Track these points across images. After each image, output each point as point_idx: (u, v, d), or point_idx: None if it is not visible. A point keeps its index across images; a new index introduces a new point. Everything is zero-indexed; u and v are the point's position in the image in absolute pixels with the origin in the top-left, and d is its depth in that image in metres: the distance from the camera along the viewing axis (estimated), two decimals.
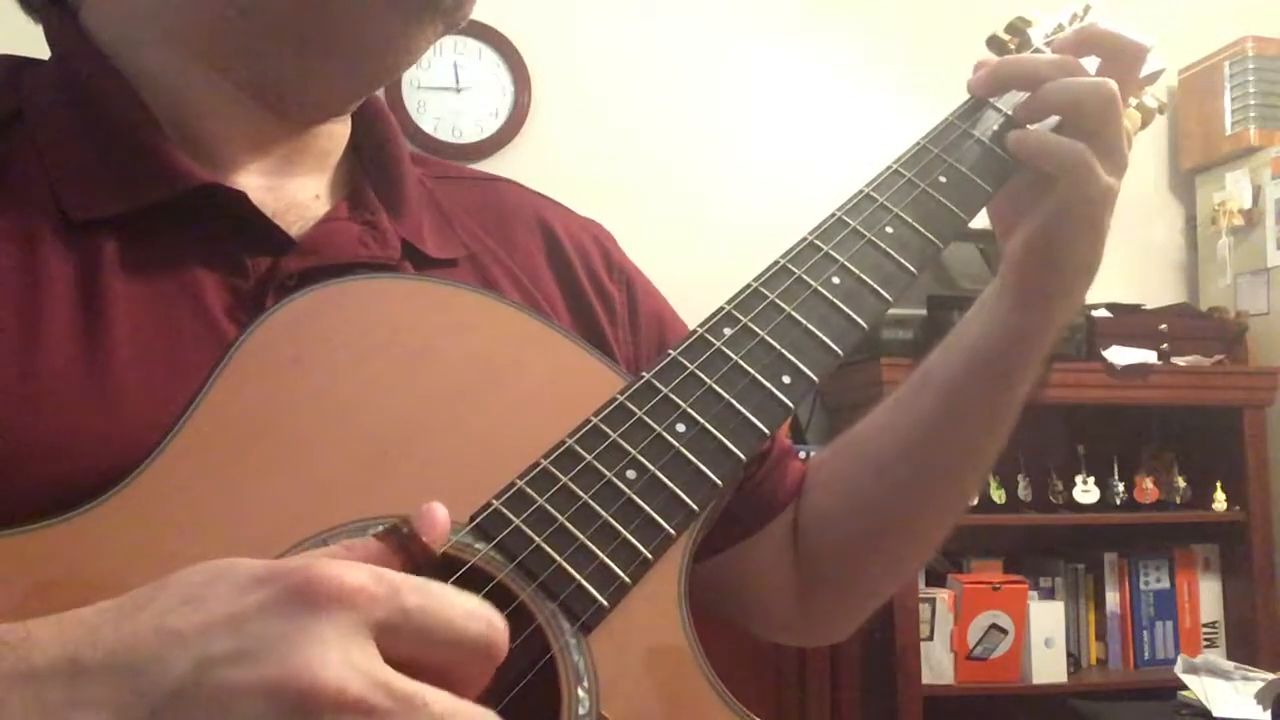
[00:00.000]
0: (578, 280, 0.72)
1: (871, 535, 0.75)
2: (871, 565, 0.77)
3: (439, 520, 0.44)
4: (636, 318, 0.74)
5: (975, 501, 2.39)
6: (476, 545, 0.50)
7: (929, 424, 0.72)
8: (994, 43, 0.76)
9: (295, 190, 0.64)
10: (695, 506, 0.54)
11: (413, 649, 0.39)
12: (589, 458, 0.53)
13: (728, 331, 0.59)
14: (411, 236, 0.65)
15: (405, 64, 0.67)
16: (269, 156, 0.63)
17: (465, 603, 0.41)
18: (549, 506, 0.51)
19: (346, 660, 0.37)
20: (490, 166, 2.52)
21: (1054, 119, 0.68)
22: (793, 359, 0.59)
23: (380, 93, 0.72)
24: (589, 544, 0.51)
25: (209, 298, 0.57)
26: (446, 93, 2.57)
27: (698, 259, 2.38)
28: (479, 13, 0.65)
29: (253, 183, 0.62)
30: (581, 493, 0.52)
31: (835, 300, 0.61)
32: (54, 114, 0.60)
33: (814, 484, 0.78)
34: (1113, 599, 2.51)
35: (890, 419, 0.75)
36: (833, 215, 0.65)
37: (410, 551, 0.43)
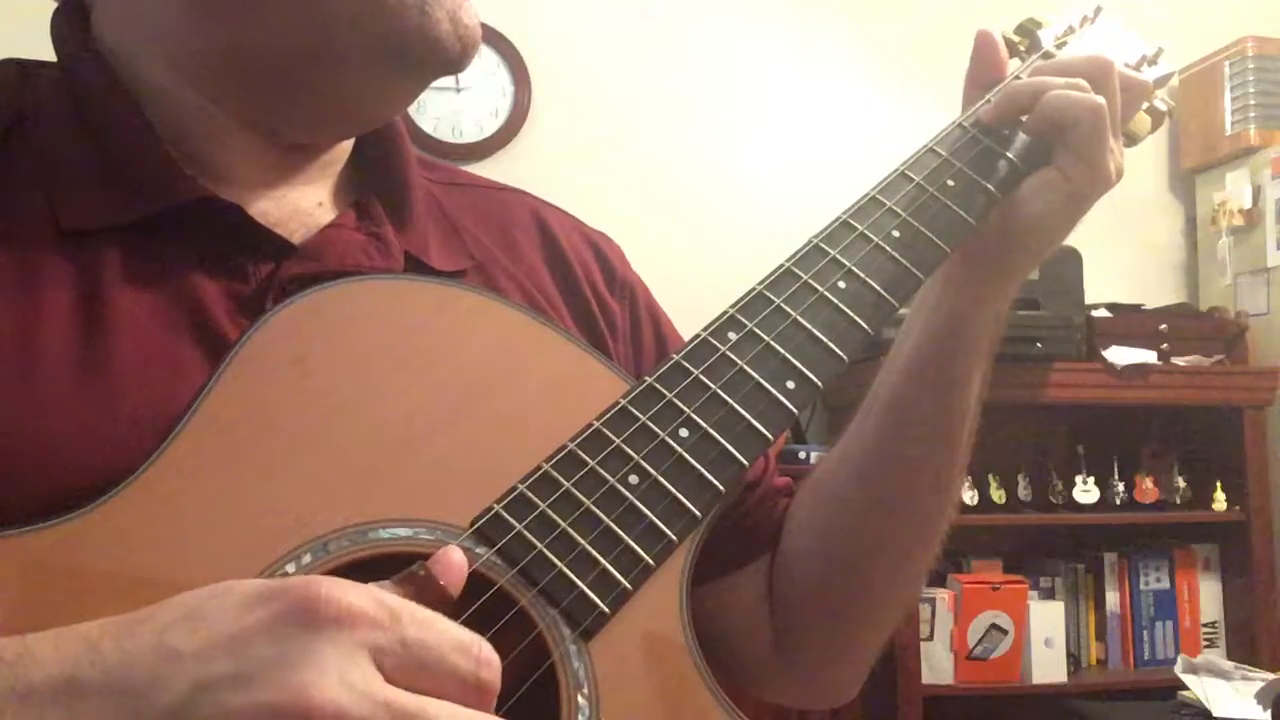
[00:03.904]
0: (581, 293, 0.71)
1: (842, 578, 0.71)
2: (847, 612, 0.73)
3: (455, 563, 0.45)
4: (639, 332, 0.74)
5: (974, 503, 2.39)
6: (477, 550, 0.49)
7: (877, 444, 0.70)
8: (1004, 44, 0.76)
9: (297, 198, 0.63)
10: (698, 513, 0.53)
11: (406, 677, 0.39)
12: (591, 462, 0.53)
13: (732, 336, 0.59)
14: (416, 249, 0.64)
15: (395, 112, 0.67)
16: (269, 169, 0.63)
17: (459, 638, 0.41)
18: (551, 511, 0.51)
19: (344, 681, 0.37)
20: (490, 166, 2.53)
21: None
22: (797, 364, 0.58)
23: None
24: (590, 550, 0.50)
25: (209, 302, 0.56)
26: (446, 92, 2.56)
27: (698, 260, 2.38)
28: (479, 13, 0.65)
29: (253, 192, 0.62)
30: (584, 498, 0.52)
31: (841, 305, 0.61)
32: (56, 121, 0.60)
33: (787, 529, 0.74)
34: (1113, 599, 2.51)
35: (844, 449, 0.72)
36: (838, 219, 0.64)
37: (428, 595, 0.44)
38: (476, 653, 0.41)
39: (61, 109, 0.60)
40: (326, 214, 0.64)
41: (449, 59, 0.60)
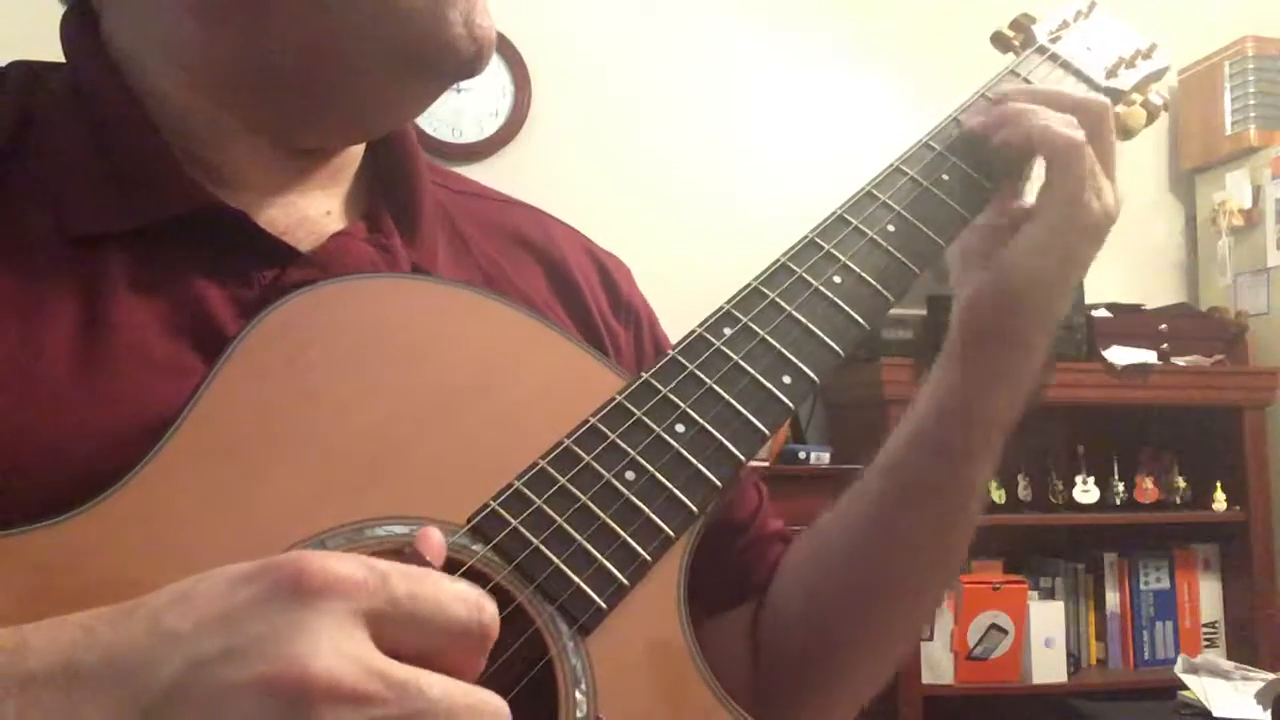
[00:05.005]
0: (586, 312, 0.71)
1: (823, 643, 0.69)
2: (827, 679, 0.71)
3: (435, 543, 0.45)
4: (642, 356, 0.73)
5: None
6: (474, 547, 0.49)
7: (873, 511, 0.68)
8: (998, 39, 0.76)
9: (306, 206, 0.63)
10: (695, 508, 0.53)
11: (403, 637, 0.39)
12: (588, 458, 0.53)
13: (728, 331, 0.59)
14: (425, 262, 0.64)
15: (408, 118, 0.67)
16: (277, 175, 0.63)
17: (455, 588, 0.41)
18: (547, 508, 0.51)
19: (337, 650, 0.37)
20: (490, 166, 2.53)
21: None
22: (793, 359, 0.58)
23: None
24: (588, 546, 0.50)
25: (213, 307, 0.56)
26: (447, 92, 2.56)
27: (697, 259, 2.38)
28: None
29: (261, 199, 0.61)
30: (580, 494, 0.52)
31: (836, 299, 0.61)
32: (64, 124, 0.59)
33: (778, 578, 0.72)
34: (1113, 599, 2.51)
35: (845, 505, 0.70)
36: (834, 213, 0.64)
37: None
38: (476, 599, 0.41)
39: (70, 112, 0.59)
40: (335, 223, 0.63)
41: (463, 62, 0.60)
